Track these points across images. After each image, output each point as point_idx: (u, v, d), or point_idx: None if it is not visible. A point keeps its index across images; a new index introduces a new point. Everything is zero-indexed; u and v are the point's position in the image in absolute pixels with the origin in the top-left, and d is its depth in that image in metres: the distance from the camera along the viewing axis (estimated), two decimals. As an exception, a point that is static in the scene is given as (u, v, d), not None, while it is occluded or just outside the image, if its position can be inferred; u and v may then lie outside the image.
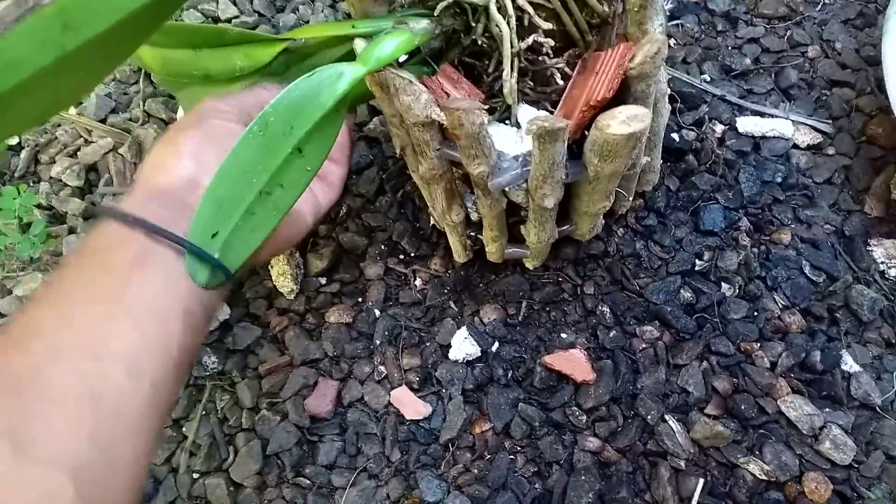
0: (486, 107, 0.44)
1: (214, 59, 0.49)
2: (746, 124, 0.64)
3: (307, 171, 0.39)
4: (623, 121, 0.40)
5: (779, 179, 0.62)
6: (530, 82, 0.47)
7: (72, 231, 0.64)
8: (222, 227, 0.38)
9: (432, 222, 0.61)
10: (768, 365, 0.54)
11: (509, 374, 0.55)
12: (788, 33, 0.71)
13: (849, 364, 0.54)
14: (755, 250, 0.59)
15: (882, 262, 0.58)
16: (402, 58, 0.44)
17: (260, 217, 0.39)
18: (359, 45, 0.44)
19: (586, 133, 0.43)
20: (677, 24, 0.72)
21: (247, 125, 0.38)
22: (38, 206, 0.65)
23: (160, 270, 0.37)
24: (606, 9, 0.44)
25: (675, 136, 0.64)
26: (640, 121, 0.39)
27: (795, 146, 0.64)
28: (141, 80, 0.73)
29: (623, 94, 0.44)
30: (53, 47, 0.30)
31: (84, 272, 0.36)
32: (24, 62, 0.29)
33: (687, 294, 0.57)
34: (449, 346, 0.57)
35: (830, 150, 0.63)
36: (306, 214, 0.47)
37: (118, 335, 0.34)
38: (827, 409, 0.52)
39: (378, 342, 0.58)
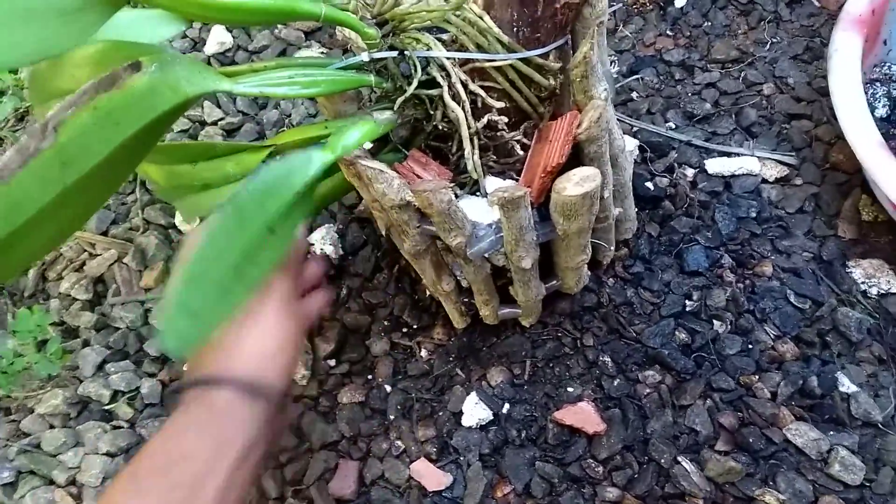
0: (453, 184, 0.48)
1: (210, 169, 0.52)
2: (715, 165, 0.68)
3: (277, 251, 0.41)
4: (577, 182, 0.43)
5: (753, 214, 0.65)
6: (493, 156, 0.50)
7: (86, 344, 0.66)
8: (194, 300, 0.38)
9: (429, 293, 0.63)
10: (769, 395, 0.56)
11: (523, 434, 0.57)
12: (742, 74, 0.75)
13: (846, 385, 0.56)
14: (740, 285, 0.61)
15: (862, 282, 0.60)
16: (368, 145, 0.48)
17: (234, 293, 0.39)
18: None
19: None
20: (638, 79, 0.77)
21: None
22: (52, 323, 0.68)
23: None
24: (552, 82, 0.48)
25: (648, 184, 0.67)
26: (592, 180, 0.43)
27: (764, 181, 0.67)
28: (137, 189, 0.76)
29: (580, 156, 0.48)
30: (55, 184, 0.32)
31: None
32: (29, 202, 0.32)
33: (682, 335, 0.59)
34: (461, 412, 0.59)
35: (798, 181, 0.67)
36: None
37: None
38: (831, 432, 0.54)
39: (392, 417, 0.60)
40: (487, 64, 0.44)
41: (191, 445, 0.39)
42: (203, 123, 0.80)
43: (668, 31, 0.81)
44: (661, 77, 0.77)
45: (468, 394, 0.59)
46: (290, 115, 0.79)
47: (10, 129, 0.88)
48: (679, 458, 0.54)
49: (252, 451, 0.41)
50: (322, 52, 0.86)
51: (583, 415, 0.56)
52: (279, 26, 0.86)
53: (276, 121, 0.78)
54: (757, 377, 0.57)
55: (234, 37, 0.86)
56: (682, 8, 0.82)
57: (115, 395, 0.63)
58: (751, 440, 0.54)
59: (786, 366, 0.57)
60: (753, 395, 0.56)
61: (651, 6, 0.83)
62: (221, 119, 0.79)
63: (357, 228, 0.70)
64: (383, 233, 0.56)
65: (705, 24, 0.81)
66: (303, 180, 0.40)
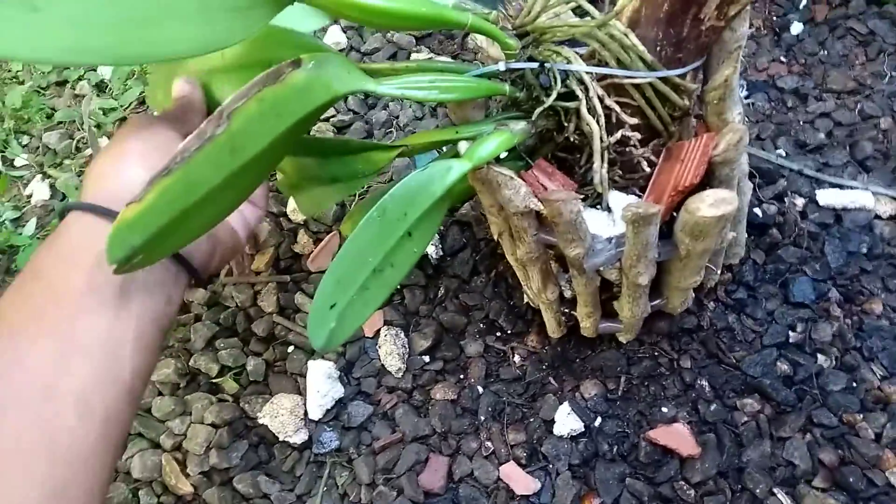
0: (582, 196, 0.49)
1: (339, 164, 0.55)
2: (826, 197, 0.67)
3: (414, 252, 0.44)
4: (711, 204, 0.43)
5: (864, 250, 0.64)
6: (619, 170, 0.51)
7: (197, 319, 0.70)
8: (340, 300, 0.42)
9: (526, 300, 0.64)
10: (873, 436, 0.55)
11: (614, 449, 0.58)
12: (859, 106, 0.74)
13: (956, 433, 0.54)
14: (848, 321, 0.60)
15: (979, 330, 0.58)
16: (502, 154, 0.49)
17: (372, 292, 0.43)
18: (462, 146, 0.49)
19: (675, 214, 0.47)
20: (749, 103, 0.76)
21: (181, 132, 0.44)
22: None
23: (111, 297, 0.39)
24: (687, 102, 0.48)
25: (757, 210, 0.66)
26: (728, 203, 0.43)
27: (878, 216, 0.66)
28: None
29: (708, 178, 0.48)
30: (224, 168, 0.35)
31: (32, 301, 0.38)
32: (202, 182, 0.35)
33: (784, 366, 0.59)
34: (552, 421, 0.59)
35: (913, 220, 0.65)
36: (239, 230, 0.54)
37: (68, 372, 0.36)
38: (938, 481, 0.53)
39: (483, 418, 0.61)
40: (626, 80, 0.45)
41: (40, 260, 0.40)
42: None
43: (781, 58, 0.80)
44: (773, 103, 0.76)
45: (561, 403, 0.60)
46: (398, 117, 0.81)
47: (133, 111, 0.94)
48: (775, 490, 0.54)
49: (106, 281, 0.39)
50: (429, 56, 0.89)
51: (677, 436, 0.56)
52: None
53: (384, 121, 0.81)
54: (861, 416, 0.56)
55: (347, 37, 0.89)
56: (797, 35, 0.81)
57: (223, 370, 0.66)
58: (851, 479, 0.53)
59: (891, 407, 0.56)
60: (856, 435, 0.55)
61: (766, 31, 0.82)
62: (333, 116, 0.82)
63: (457, 231, 0.71)
64: (495, 237, 0.57)
65: (821, 52, 0.79)
66: (442, 188, 0.43)
